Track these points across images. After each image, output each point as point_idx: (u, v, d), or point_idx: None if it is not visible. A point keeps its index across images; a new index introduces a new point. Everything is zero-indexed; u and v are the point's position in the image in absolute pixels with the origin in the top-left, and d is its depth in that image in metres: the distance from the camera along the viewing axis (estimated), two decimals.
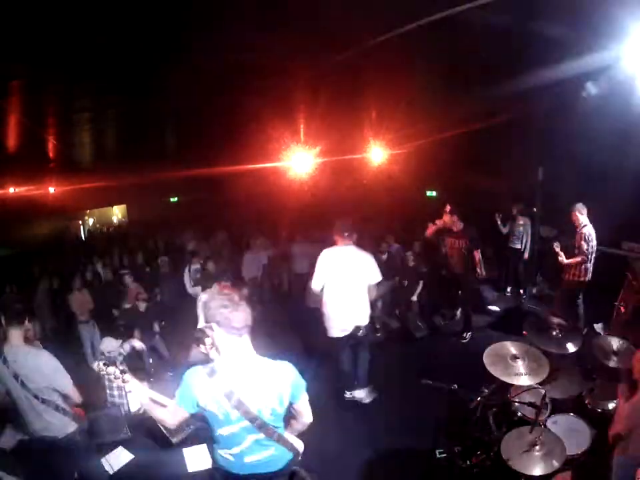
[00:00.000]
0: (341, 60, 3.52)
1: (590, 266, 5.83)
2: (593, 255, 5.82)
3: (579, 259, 5.75)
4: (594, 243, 5.78)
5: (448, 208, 6.14)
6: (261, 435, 2.29)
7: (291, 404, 2.37)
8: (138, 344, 5.70)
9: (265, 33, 3.07)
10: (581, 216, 5.84)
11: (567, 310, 5.88)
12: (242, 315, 2.24)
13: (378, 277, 4.75)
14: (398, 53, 3.58)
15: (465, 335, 6.46)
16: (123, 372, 2.56)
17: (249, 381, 2.24)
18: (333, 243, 4.81)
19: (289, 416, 2.49)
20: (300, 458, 2.56)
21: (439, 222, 6.18)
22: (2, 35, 2.59)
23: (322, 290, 4.71)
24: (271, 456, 2.36)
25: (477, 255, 6.14)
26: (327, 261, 4.70)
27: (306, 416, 2.52)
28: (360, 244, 4.93)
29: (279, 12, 2.73)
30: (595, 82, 4.49)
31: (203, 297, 5.44)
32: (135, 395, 2.53)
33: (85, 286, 7.26)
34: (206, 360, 4.35)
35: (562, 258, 5.90)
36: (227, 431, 2.27)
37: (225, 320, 2.22)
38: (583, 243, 5.73)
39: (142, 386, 2.58)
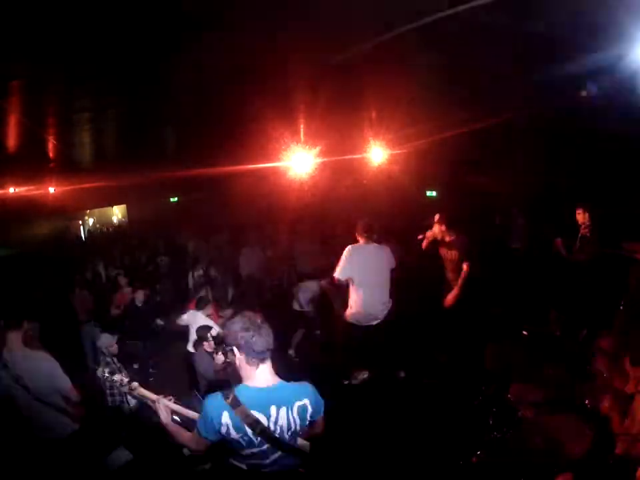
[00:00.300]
0: (341, 60, 3.52)
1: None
2: (591, 256, 5.95)
3: (583, 257, 5.91)
4: (595, 243, 5.93)
5: (437, 217, 5.90)
6: (280, 453, 2.32)
7: (310, 422, 2.40)
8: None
9: (265, 33, 3.07)
10: (586, 214, 6.01)
11: (563, 307, 5.98)
12: (264, 339, 2.21)
13: (394, 264, 5.22)
14: (398, 53, 3.58)
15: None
16: (130, 381, 2.55)
17: (273, 408, 2.23)
18: (353, 241, 5.15)
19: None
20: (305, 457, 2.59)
21: (428, 233, 5.97)
22: (2, 35, 2.59)
23: (347, 282, 5.05)
24: (279, 461, 2.38)
25: (465, 267, 5.68)
26: (354, 255, 5.01)
27: (320, 429, 2.57)
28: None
29: (279, 11, 2.72)
30: (596, 82, 4.49)
31: (184, 318, 5.73)
32: (159, 411, 2.45)
33: (86, 286, 7.27)
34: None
35: (564, 253, 6.11)
36: (249, 452, 2.29)
37: (246, 344, 2.19)
38: (586, 242, 5.95)
39: (159, 397, 2.51)
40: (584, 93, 4.63)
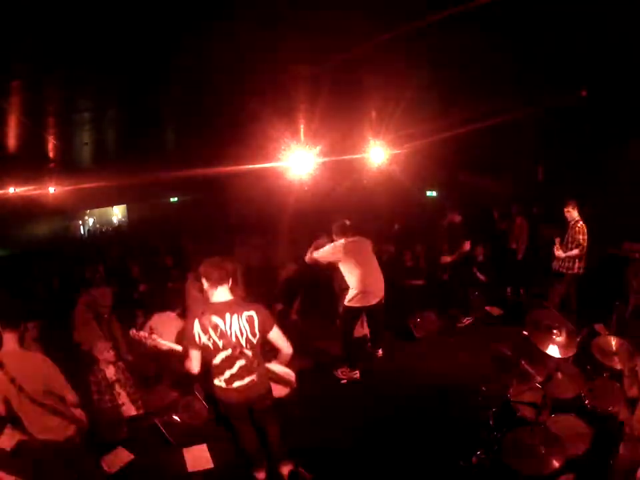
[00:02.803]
0: (341, 60, 3.52)
1: (582, 260, 6.07)
2: (585, 250, 6.03)
3: (576, 251, 5.99)
4: (586, 237, 6.00)
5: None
6: (243, 361, 3.09)
7: (264, 335, 3.14)
8: None
9: (265, 32, 3.07)
10: (574, 212, 6.07)
11: (560, 304, 6.10)
12: (217, 272, 3.11)
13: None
14: (398, 53, 3.59)
15: (463, 320, 6.78)
16: (150, 333, 3.57)
17: (227, 315, 3.06)
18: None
19: (274, 352, 3.32)
20: (293, 385, 3.51)
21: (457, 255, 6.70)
22: (1, 34, 2.59)
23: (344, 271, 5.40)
24: (253, 382, 3.15)
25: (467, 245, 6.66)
26: (345, 246, 5.29)
27: (283, 346, 3.26)
28: None
29: (279, 10, 2.73)
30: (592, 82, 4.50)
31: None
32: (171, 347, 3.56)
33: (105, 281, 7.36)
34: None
35: (559, 252, 6.14)
36: (219, 358, 3.08)
37: (206, 275, 3.13)
38: (579, 236, 5.97)
39: (172, 344, 3.57)
40: (583, 93, 4.64)
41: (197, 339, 3.06)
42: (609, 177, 6.94)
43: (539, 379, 3.49)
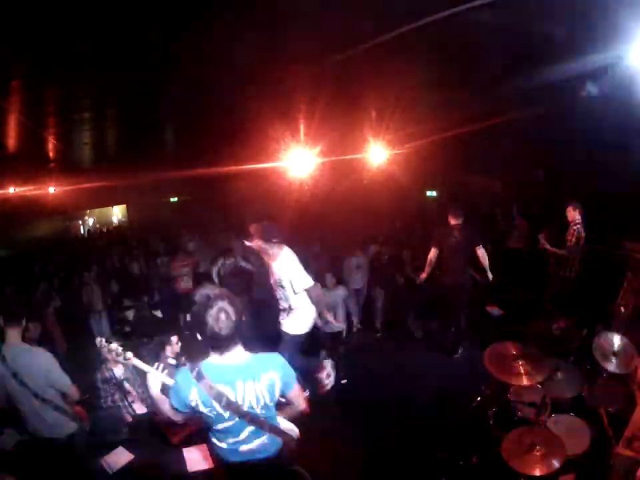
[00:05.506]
0: (341, 59, 3.52)
1: (575, 263, 6.10)
2: (578, 254, 6.08)
3: (562, 251, 6.06)
4: (582, 242, 6.03)
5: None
6: (253, 427, 2.38)
7: (282, 395, 2.43)
8: None
9: (265, 32, 3.07)
10: (575, 213, 6.05)
11: (555, 304, 6.11)
12: (224, 322, 2.20)
13: None
14: (398, 53, 3.58)
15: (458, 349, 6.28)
16: (124, 350, 2.62)
17: (239, 382, 2.27)
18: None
19: (283, 403, 2.57)
20: (295, 444, 2.66)
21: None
22: (2, 34, 2.59)
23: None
24: (263, 443, 2.45)
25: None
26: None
27: (299, 404, 2.59)
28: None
29: (279, 10, 2.73)
30: (595, 82, 4.49)
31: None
32: (149, 379, 2.54)
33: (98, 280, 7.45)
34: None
35: (547, 246, 6.26)
36: (221, 426, 2.36)
37: (204, 327, 2.21)
38: (571, 238, 6.02)
39: (151, 368, 2.56)
40: (583, 93, 4.63)
41: (189, 404, 2.30)
42: (609, 176, 6.94)
43: (539, 378, 3.50)
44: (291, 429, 2.70)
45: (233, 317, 2.22)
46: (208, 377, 2.26)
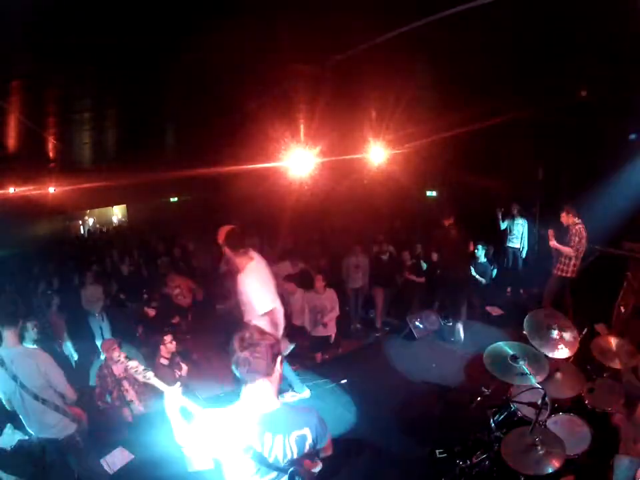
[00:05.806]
0: (341, 59, 3.52)
1: (577, 263, 6.12)
2: (581, 254, 6.10)
3: (568, 248, 6.05)
4: (584, 241, 6.04)
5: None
6: (274, 474, 2.14)
7: (312, 448, 2.23)
8: None
9: (265, 32, 3.07)
10: (569, 216, 6.10)
11: (554, 305, 6.09)
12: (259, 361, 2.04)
13: None
14: (398, 53, 3.58)
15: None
16: (145, 369, 2.50)
17: (267, 435, 2.08)
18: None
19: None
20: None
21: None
22: (2, 34, 2.59)
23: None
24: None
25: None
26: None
27: (327, 452, 2.41)
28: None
29: (279, 10, 2.72)
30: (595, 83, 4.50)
31: None
32: (167, 402, 2.36)
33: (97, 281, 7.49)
34: None
35: (554, 242, 6.18)
36: (241, 478, 2.14)
37: (238, 361, 2.05)
38: (574, 237, 6.02)
39: (170, 388, 2.37)
40: (583, 93, 4.64)
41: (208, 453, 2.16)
42: (609, 176, 6.94)
43: (539, 378, 3.50)
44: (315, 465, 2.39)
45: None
46: (238, 426, 2.07)
